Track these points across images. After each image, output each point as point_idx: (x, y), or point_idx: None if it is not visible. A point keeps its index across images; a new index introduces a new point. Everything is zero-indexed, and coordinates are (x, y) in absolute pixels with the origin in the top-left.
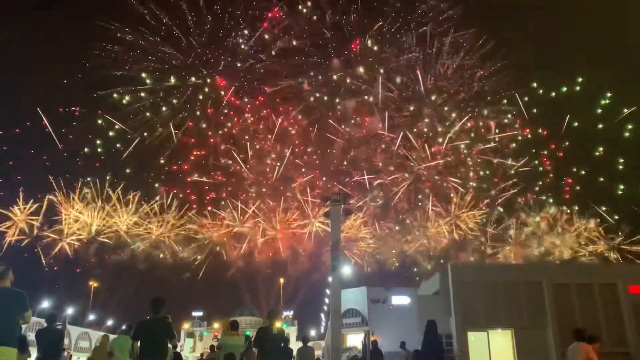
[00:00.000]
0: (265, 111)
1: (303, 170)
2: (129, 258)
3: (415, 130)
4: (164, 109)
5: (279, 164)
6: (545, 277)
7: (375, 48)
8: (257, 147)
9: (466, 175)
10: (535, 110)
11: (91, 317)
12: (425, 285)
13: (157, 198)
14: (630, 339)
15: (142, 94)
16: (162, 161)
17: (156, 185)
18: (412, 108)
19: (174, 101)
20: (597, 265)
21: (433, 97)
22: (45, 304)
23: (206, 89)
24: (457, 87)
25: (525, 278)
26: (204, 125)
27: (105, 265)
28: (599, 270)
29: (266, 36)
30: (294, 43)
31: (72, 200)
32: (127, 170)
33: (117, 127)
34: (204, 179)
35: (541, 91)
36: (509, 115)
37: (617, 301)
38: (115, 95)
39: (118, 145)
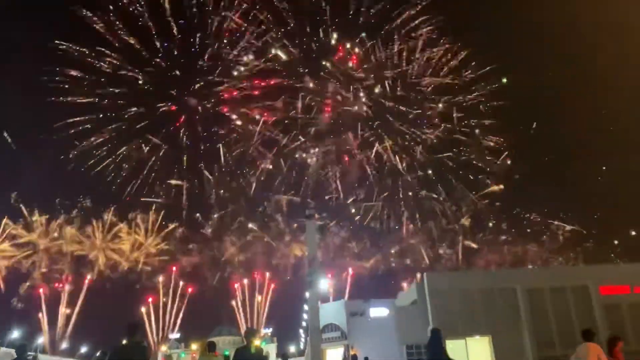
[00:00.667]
0: (236, 130)
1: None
2: (105, 283)
3: (389, 144)
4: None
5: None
6: (519, 283)
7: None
8: (232, 165)
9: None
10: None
11: (64, 345)
12: (403, 295)
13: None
14: (603, 339)
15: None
16: (131, 191)
17: (133, 213)
18: (379, 122)
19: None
20: (568, 268)
21: (405, 110)
22: (16, 334)
23: (176, 109)
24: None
25: (499, 285)
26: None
27: (79, 292)
28: (570, 273)
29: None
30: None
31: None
32: (88, 203)
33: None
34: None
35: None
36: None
37: (589, 303)
38: (80, 124)
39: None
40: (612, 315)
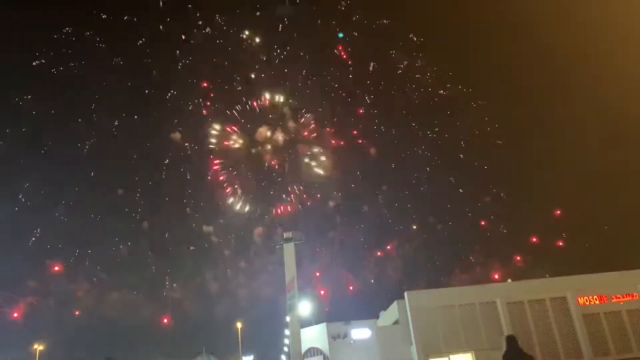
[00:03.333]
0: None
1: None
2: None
3: None
4: None
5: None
6: (499, 296)
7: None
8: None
9: None
10: None
11: None
12: (385, 315)
13: None
14: (584, 349)
15: None
16: None
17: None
18: None
19: None
20: (547, 280)
21: None
22: None
23: None
24: None
25: (480, 299)
26: None
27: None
28: (548, 285)
29: None
30: None
31: None
32: None
33: None
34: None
35: None
36: None
37: (568, 313)
38: None
39: None
40: (590, 324)
